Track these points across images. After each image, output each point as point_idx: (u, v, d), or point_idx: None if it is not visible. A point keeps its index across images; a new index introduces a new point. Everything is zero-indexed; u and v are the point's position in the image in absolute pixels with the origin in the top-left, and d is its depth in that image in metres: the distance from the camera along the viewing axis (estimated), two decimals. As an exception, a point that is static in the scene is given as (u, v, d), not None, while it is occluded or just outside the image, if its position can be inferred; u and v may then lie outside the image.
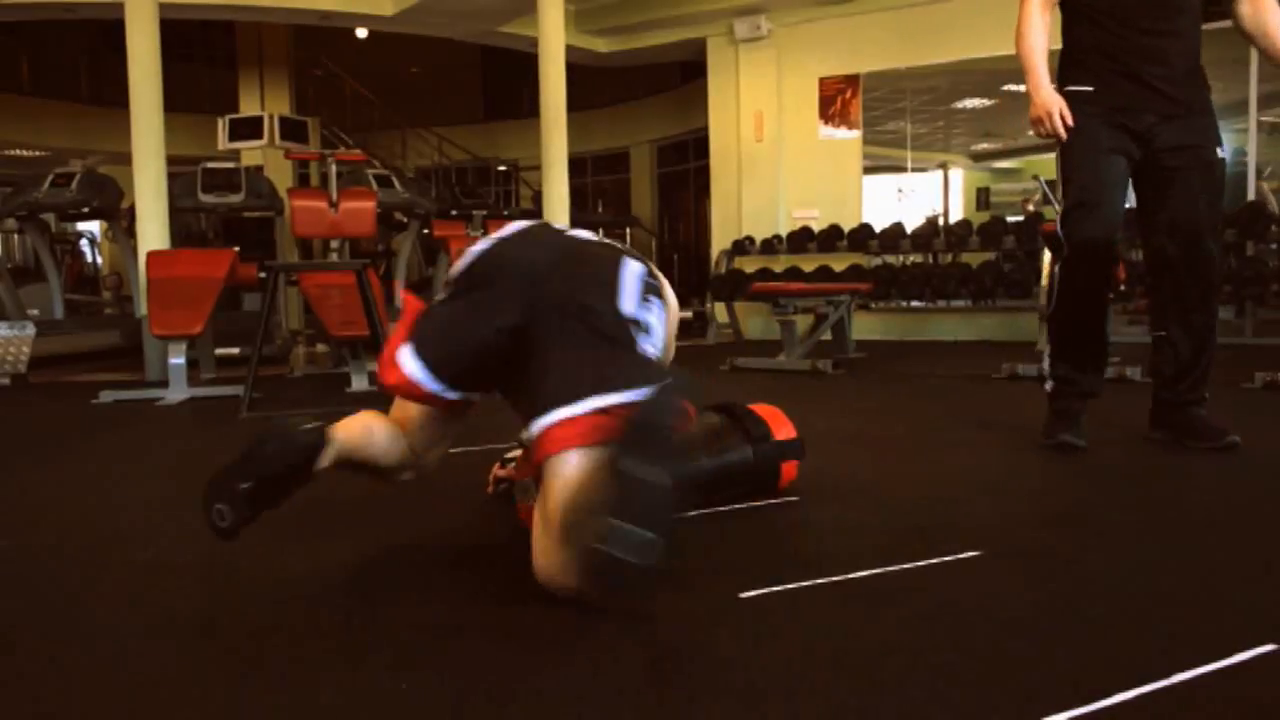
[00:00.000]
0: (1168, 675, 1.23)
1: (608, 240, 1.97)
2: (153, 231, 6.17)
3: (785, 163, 9.35)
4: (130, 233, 7.09)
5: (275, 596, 1.68)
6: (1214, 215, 2.75)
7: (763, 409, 2.31)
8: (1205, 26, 2.77)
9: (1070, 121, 2.75)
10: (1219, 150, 2.74)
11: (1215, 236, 2.75)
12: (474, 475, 2.55)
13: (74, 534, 2.20)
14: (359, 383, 5.14)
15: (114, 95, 8.81)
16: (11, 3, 8.35)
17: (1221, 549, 1.86)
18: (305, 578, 1.79)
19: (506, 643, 1.42)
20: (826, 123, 9.25)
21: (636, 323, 1.66)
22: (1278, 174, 7.54)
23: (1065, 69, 2.88)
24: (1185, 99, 2.73)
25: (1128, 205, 2.87)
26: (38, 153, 13.60)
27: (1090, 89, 2.79)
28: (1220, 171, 2.75)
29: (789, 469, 2.27)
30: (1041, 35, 2.85)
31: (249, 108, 11.54)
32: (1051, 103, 2.76)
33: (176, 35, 8.97)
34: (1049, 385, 2.94)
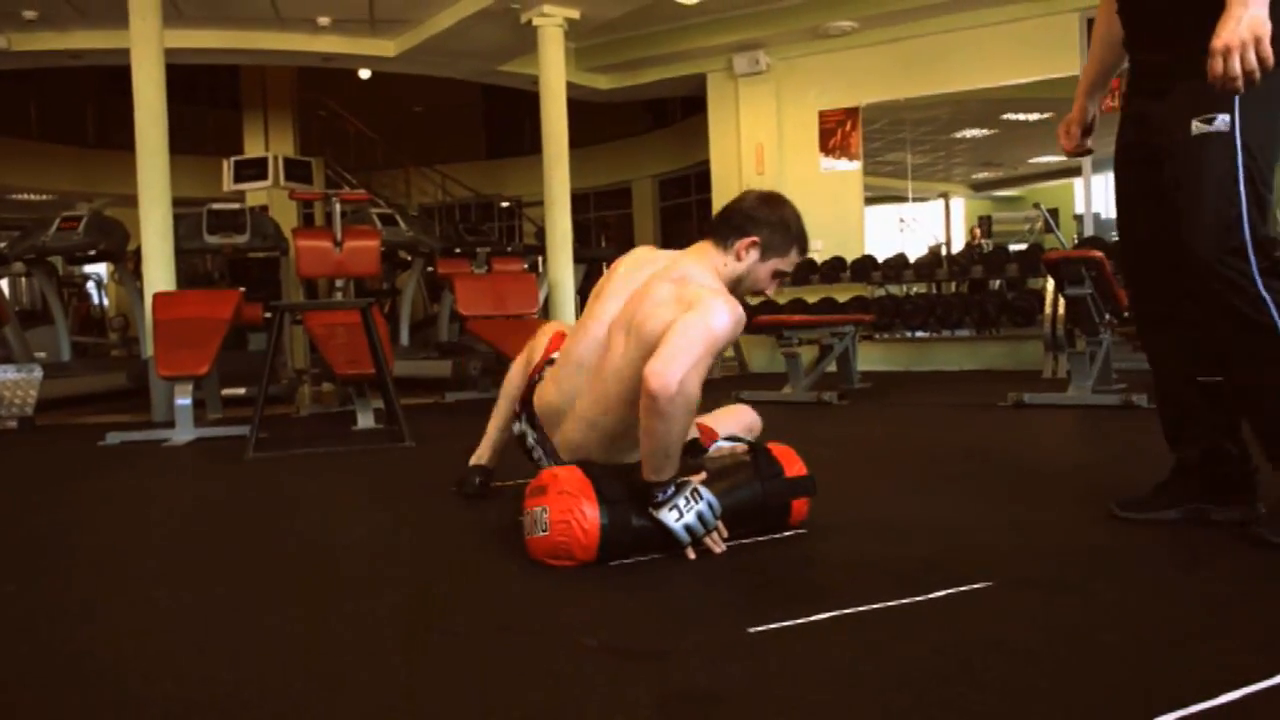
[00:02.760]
0: (1183, 706, 1.22)
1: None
2: (159, 273, 6.20)
3: (787, 195, 9.38)
4: (136, 274, 7.12)
5: (283, 657, 1.67)
6: (1204, 214, 1.97)
7: (775, 448, 2.32)
8: None
9: (1072, 138, 2.44)
10: (1208, 118, 1.96)
11: (1208, 243, 1.96)
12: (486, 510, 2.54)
13: (80, 577, 2.20)
14: (365, 421, 5.14)
15: (120, 138, 8.91)
16: (20, 50, 8.45)
17: (1234, 578, 1.84)
18: (297, 627, 1.79)
19: (513, 675, 1.41)
20: (827, 155, 9.31)
21: None
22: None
23: None
24: (1164, 65, 2.09)
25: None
26: (45, 196, 13.71)
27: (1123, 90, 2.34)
28: (1206, 150, 1.96)
29: (800, 505, 2.27)
30: (1097, 34, 2.40)
31: (253, 149, 11.63)
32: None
33: (182, 78, 9.06)
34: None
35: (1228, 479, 2.18)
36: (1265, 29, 1.78)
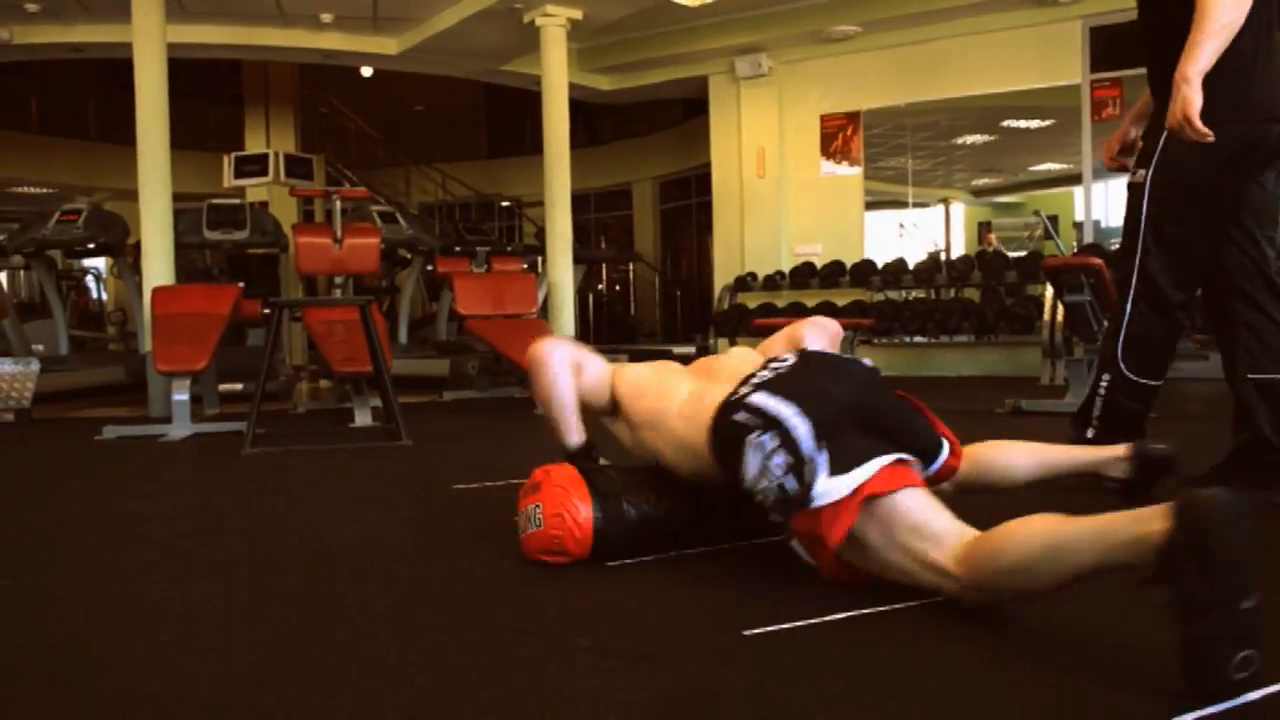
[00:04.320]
0: (1181, 714, 1.22)
1: None
2: (158, 268, 6.20)
3: (787, 199, 9.41)
4: (136, 269, 7.12)
5: (276, 653, 1.67)
6: (1124, 241, 2.59)
7: None
8: None
9: (1112, 154, 2.84)
10: (1135, 172, 2.53)
11: (1119, 261, 2.63)
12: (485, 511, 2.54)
13: (75, 572, 2.19)
14: (362, 419, 5.14)
15: (121, 133, 8.93)
16: (21, 43, 8.45)
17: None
18: (308, 621, 1.78)
19: (506, 675, 1.41)
20: (828, 159, 9.31)
21: None
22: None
23: None
24: (1146, 126, 2.62)
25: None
26: (45, 189, 13.70)
27: None
28: (1130, 195, 2.54)
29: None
30: None
31: (254, 145, 11.63)
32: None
33: (183, 74, 9.06)
34: None
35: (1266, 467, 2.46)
36: (1193, 107, 2.20)
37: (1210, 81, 2.24)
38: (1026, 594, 1.53)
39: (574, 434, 2.28)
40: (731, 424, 1.77)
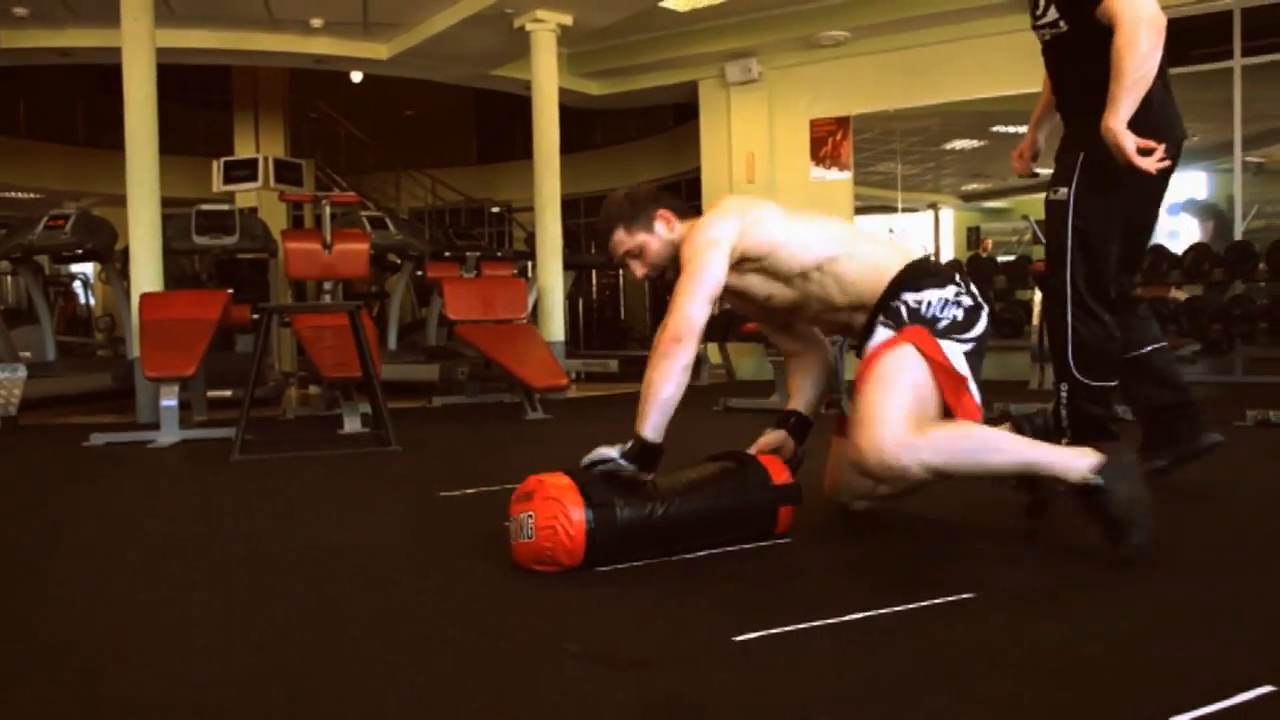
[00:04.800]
0: (1166, 717, 1.22)
1: None
2: (146, 273, 6.17)
3: (777, 202, 9.39)
4: (124, 274, 7.09)
5: (266, 661, 1.67)
6: (1050, 251, 2.75)
7: (763, 457, 2.32)
8: (1181, 70, 2.86)
9: (1024, 162, 3.11)
10: (1051, 192, 2.71)
11: (1048, 274, 2.77)
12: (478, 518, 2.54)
13: (67, 578, 2.18)
14: (351, 424, 5.13)
15: (109, 138, 8.89)
16: (8, 48, 8.41)
17: (1217, 589, 1.85)
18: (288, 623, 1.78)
19: (497, 682, 1.41)
20: (818, 164, 9.33)
21: None
22: (1264, 213, 7.61)
23: None
24: (1060, 145, 2.80)
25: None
26: (33, 194, 13.64)
27: None
28: (1053, 212, 2.70)
29: (785, 514, 2.27)
30: (1045, 89, 3.02)
31: (244, 150, 11.60)
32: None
33: (172, 78, 9.04)
34: None
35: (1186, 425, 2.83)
36: (1131, 153, 2.40)
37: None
38: (949, 472, 2.05)
39: (652, 432, 2.16)
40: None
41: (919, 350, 2.14)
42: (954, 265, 2.47)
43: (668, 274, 2.37)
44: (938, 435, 2.05)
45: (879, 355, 2.17)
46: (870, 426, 2.04)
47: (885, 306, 2.24)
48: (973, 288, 2.30)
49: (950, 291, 2.23)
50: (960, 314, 2.22)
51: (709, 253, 2.22)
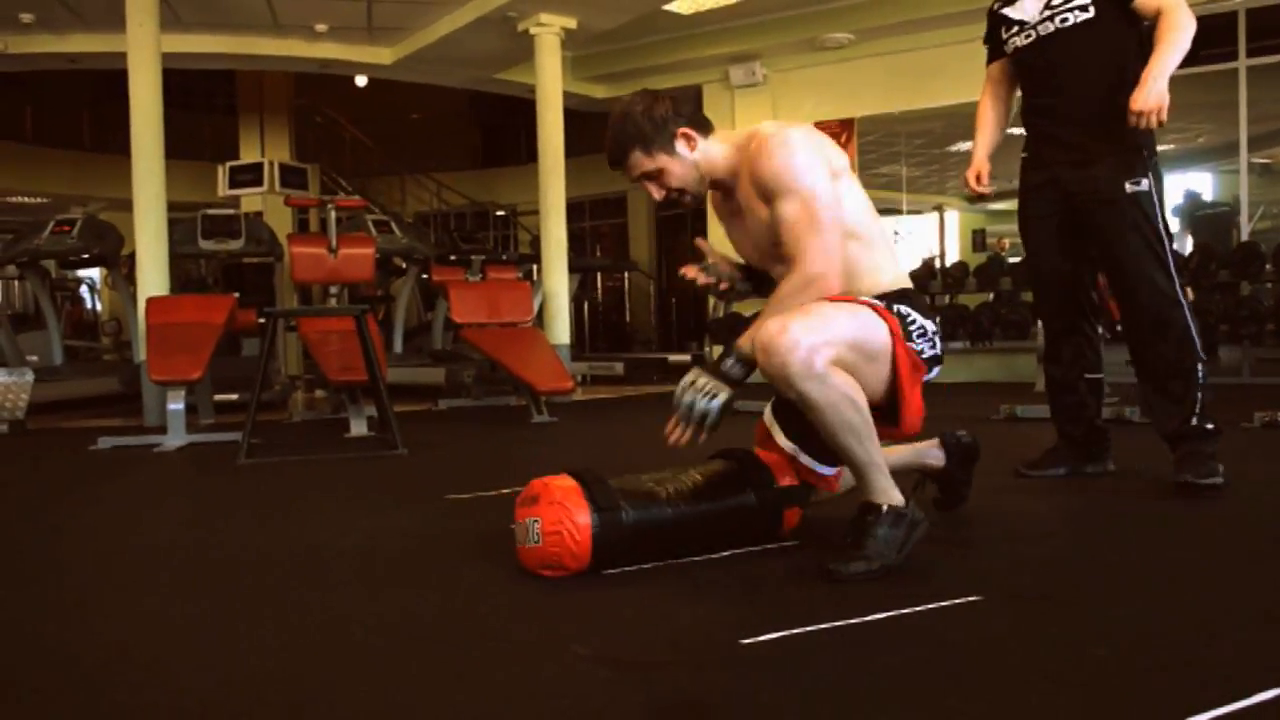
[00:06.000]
0: (1180, 715, 1.22)
1: None
2: (153, 277, 6.19)
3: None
4: (130, 279, 7.11)
5: (271, 666, 1.67)
6: (1139, 245, 2.76)
7: (767, 456, 2.31)
8: (1186, 71, 2.96)
9: (984, 184, 3.06)
10: (1129, 184, 2.75)
11: (1143, 264, 2.77)
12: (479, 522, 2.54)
13: (72, 582, 2.19)
14: (357, 428, 5.13)
15: (116, 143, 8.91)
16: (16, 54, 8.44)
17: (1223, 592, 1.85)
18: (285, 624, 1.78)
19: (503, 685, 1.41)
20: (822, 166, 9.32)
21: None
22: (1269, 214, 7.59)
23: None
24: (1083, 144, 2.84)
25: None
26: (39, 199, 13.68)
27: (1025, 154, 3.06)
28: (1132, 204, 2.75)
29: (791, 515, 2.27)
30: (989, 111, 3.16)
31: (249, 155, 11.62)
32: (971, 168, 3.08)
33: (178, 83, 9.06)
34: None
35: (1099, 446, 3.09)
36: (1166, 99, 2.56)
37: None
38: (815, 405, 1.95)
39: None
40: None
41: (891, 331, 2.04)
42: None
43: (686, 198, 2.24)
44: (843, 374, 1.95)
45: (854, 298, 2.08)
46: (803, 316, 1.95)
47: (873, 299, 2.12)
48: (940, 338, 2.21)
49: (930, 327, 2.16)
50: (928, 351, 2.15)
51: (823, 179, 2.05)
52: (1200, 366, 2.76)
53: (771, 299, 2.09)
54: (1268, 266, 6.32)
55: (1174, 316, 2.76)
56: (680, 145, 2.16)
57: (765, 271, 2.30)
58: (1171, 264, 2.78)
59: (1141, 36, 2.77)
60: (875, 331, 2.03)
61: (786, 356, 1.90)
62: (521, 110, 9.77)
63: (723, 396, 2.04)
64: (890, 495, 2.00)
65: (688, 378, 2.10)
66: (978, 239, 11.13)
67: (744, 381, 2.08)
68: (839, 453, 2.02)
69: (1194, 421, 2.75)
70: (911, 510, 2.01)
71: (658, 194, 2.24)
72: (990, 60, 3.15)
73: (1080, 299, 3.03)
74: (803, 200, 2.03)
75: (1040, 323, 3.25)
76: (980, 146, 3.11)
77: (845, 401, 1.94)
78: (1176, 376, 2.77)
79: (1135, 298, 2.81)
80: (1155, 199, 2.77)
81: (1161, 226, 2.77)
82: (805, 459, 2.27)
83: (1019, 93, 3.12)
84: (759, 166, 2.08)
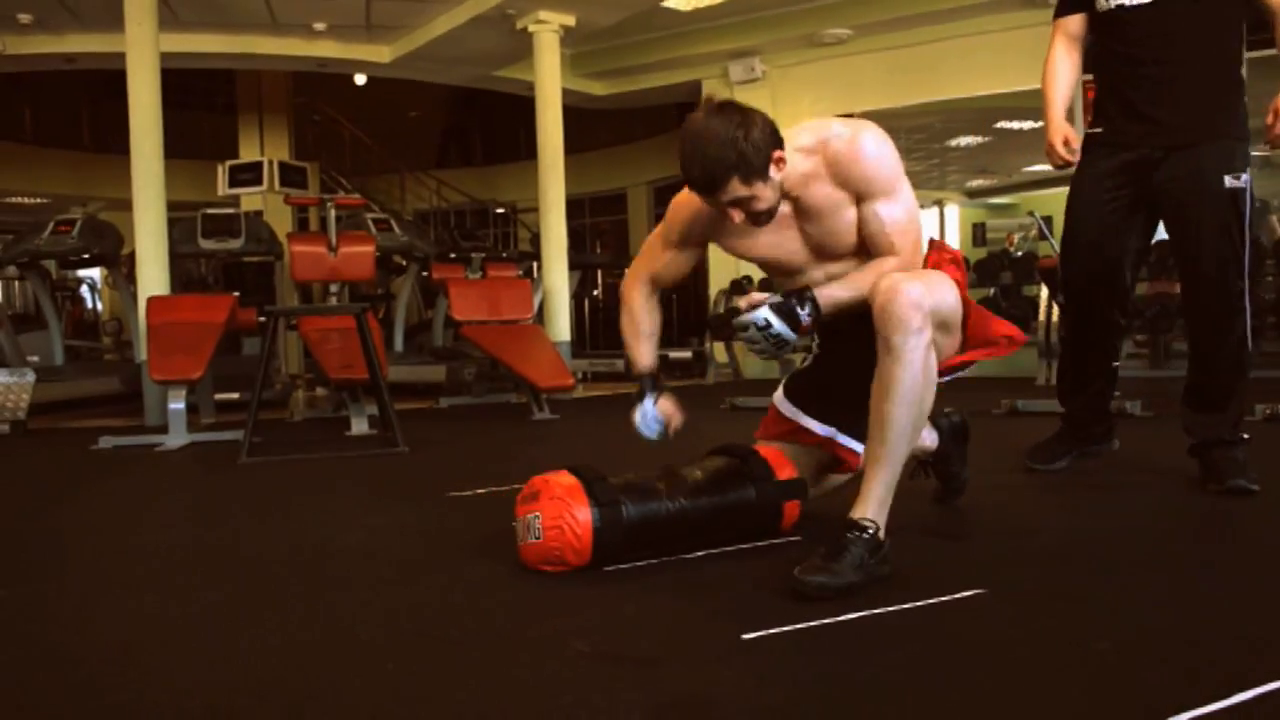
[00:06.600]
0: (1176, 713, 1.22)
1: None
2: (153, 277, 6.19)
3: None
4: (130, 279, 7.10)
5: (274, 664, 1.67)
6: (1223, 243, 2.61)
7: (766, 450, 2.31)
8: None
9: (1076, 151, 2.79)
10: (1229, 178, 2.59)
11: (1223, 265, 2.62)
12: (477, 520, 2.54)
13: (73, 582, 2.19)
14: (359, 426, 5.13)
15: (115, 142, 8.91)
16: (14, 54, 8.44)
17: (1227, 585, 1.85)
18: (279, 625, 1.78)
19: (505, 681, 1.41)
20: (822, 162, 9.32)
21: None
22: (1271, 208, 7.58)
23: (1091, 112, 2.92)
24: (1185, 126, 2.65)
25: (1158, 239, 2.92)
26: (39, 200, 13.67)
27: (1099, 130, 2.81)
28: (1230, 200, 2.59)
29: (791, 509, 2.27)
30: (1064, 69, 2.92)
31: (249, 153, 11.61)
32: (1055, 133, 2.81)
33: (177, 82, 9.05)
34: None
35: (1104, 427, 3.08)
36: None
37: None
38: (914, 369, 1.96)
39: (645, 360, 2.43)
40: None
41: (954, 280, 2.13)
42: None
43: (763, 219, 2.12)
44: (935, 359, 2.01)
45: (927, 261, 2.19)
46: (916, 278, 2.00)
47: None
48: None
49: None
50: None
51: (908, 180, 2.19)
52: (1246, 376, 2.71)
53: (867, 270, 2.13)
54: (1268, 261, 6.32)
55: (1236, 324, 2.66)
56: (773, 169, 2.04)
57: (787, 278, 2.33)
58: (1247, 268, 2.65)
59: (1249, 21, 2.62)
60: (957, 311, 2.11)
61: (910, 303, 1.93)
62: (521, 107, 9.76)
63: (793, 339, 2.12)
64: (880, 519, 1.92)
65: (763, 312, 2.12)
66: (978, 233, 11.13)
67: (808, 333, 2.18)
68: (883, 424, 1.94)
69: (1233, 429, 2.74)
70: (887, 548, 1.91)
71: (738, 218, 2.09)
72: (1068, 11, 2.91)
73: (1121, 291, 2.85)
74: (902, 199, 2.14)
75: (1064, 312, 3.11)
76: (1057, 108, 2.88)
77: (929, 382, 1.97)
78: (1225, 380, 2.72)
79: (1205, 297, 2.68)
80: (1250, 197, 2.63)
81: (1248, 227, 2.64)
82: (845, 439, 2.34)
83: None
84: (854, 168, 2.10)
